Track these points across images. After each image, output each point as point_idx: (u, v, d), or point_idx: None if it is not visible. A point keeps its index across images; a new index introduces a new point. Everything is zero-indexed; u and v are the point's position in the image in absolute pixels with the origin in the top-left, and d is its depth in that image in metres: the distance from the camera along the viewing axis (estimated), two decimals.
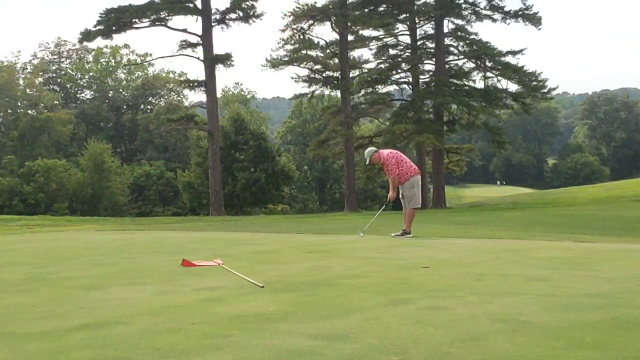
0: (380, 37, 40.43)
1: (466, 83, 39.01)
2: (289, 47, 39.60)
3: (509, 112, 49.84)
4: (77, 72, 74.29)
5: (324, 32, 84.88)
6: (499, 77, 37.89)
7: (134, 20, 36.41)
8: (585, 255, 7.04)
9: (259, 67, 68.22)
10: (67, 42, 72.97)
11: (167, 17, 36.74)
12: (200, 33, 36.86)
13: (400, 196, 10.61)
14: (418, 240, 9.54)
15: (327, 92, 47.76)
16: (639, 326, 3.48)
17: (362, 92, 41.25)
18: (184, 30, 37.05)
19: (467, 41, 37.84)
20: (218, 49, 37.93)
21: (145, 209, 53.35)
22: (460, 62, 39.73)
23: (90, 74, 73.98)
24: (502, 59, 36.74)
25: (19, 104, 63.86)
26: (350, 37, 39.68)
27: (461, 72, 38.92)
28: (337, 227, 15.56)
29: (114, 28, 36.39)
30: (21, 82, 64.35)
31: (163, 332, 3.58)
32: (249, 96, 79.00)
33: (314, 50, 40.13)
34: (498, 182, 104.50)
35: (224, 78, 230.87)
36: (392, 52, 41.22)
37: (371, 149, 11.00)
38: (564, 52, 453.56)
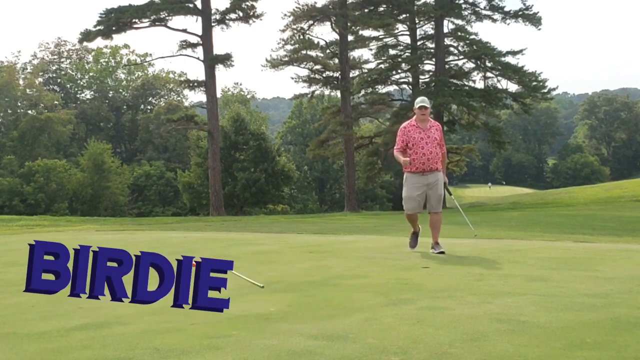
0: (380, 37, 40.40)
1: (466, 83, 39.03)
2: (289, 47, 39.62)
3: (509, 112, 49.86)
4: (77, 72, 74.31)
5: (324, 32, 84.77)
6: (499, 77, 37.88)
7: (133, 20, 36.42)
8: (585, 255, 7.03)
9: (259, 67, 68.30)
10: (67, 42, 73.15)
11: (167, 17, 36.76)
12: (200, 33, 36.86)
13: (434, 190, 7.45)
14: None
15: (327, 92, 47.73)
16: (639, 326, 3.48)
17: (362, 92, 41.25)
18: (184, 31, 37.08)
19: (467, 41, 37.83)
20: (218, 49, 38.06)
21: (145, 209, 53.38)
22: (460, 62, 39.77)
23: (90, 74, 74.00)
24: (502, 59, 36.72)
25: (19, 104, 63.92)
26: (350, 37, 39.65)
27: (461, 72, 38.93)
28: (337, 227, 15.54)
29: (114, 28, 36.39)
30: (21, 82, 64.38)
31: (163, 332, 3.58)
32: (248, 96, 79.02)
33: (314, 50, 40.12)
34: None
35: (224, 78, 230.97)
36: (392, 52, 41.19)
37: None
38: (564, 52, 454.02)
